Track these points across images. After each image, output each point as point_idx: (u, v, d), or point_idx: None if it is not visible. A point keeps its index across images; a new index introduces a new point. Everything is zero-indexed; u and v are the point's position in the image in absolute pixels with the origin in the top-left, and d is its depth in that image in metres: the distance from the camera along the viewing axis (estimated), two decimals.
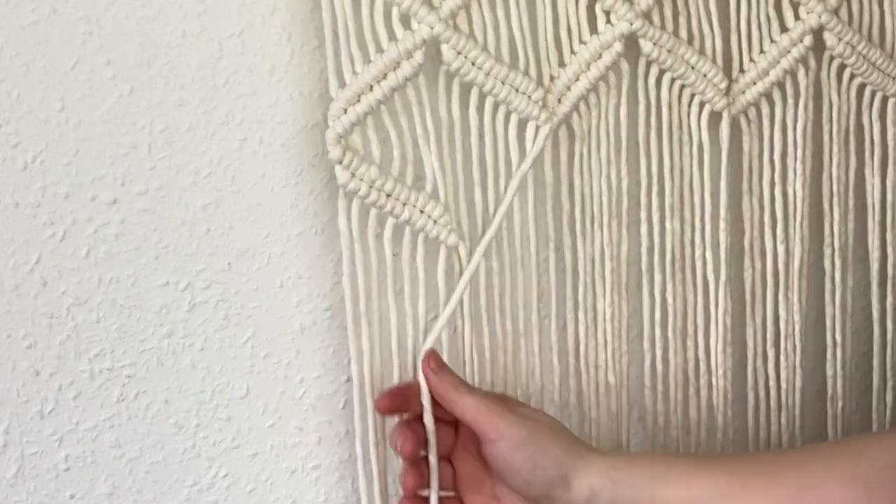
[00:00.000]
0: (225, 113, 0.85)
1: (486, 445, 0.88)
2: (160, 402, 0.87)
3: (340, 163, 0.85)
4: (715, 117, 1.03)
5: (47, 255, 0.82)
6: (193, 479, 0.89)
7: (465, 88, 0.90)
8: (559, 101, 0.95)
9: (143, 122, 0.83)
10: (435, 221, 0.90)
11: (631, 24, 0.94)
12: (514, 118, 0.92)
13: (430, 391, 0.89)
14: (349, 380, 0.93)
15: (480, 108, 0.91)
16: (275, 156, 0.87)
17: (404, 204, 0.89)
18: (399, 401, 0.89)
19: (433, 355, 0.90)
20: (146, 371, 0.86)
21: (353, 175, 0.86)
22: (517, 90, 0.91)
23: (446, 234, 0.91)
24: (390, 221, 0.89)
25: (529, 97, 0.92)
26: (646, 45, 0.97)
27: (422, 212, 0.90)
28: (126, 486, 0.87)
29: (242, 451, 0.91)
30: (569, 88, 0.95)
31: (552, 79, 0.95)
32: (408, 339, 0.91)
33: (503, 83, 0.90)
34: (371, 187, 0.87)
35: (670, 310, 1.04)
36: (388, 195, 0.88)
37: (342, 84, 0.85)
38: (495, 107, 0.92)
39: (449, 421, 0.90)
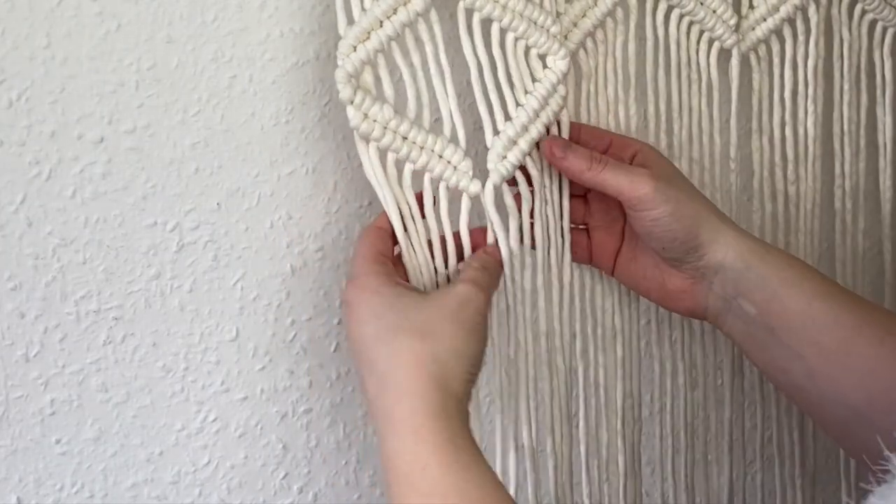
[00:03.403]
0: (214, 50, 0.86)
1: (628, 211, 0.94)
2: (148, 345, 0.88)
3: (352, 103, 0.84)
4: (724, 54, 1.03)
5: (32, 194, 0.82)
6: (182, 424, 0.91)
7: (485, 25, 0.90)
8: (566, 37, 0.96)
9: (130, 59, 0.83)
10: (455, 168, 0.89)
11: None
12: (533, 53, 0.92)
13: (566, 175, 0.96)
14: (341, 322, 0.94)
15: (503, 46, 0.91)
16: (265, 94, 0.88)
17: (422, 148, 0.87)
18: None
19: (555, 143, 0.94)
20: (133, 313, 0.87)
21: (365, 116, 0.85)
22: (535, 24, 0.91)
23: (467, 181, 0.89)
24: (409, 168, 0.88)
25: (548, 31, 0.92)
26: None
27: (440, 157, 0.88)
28: (113, 431, 0.88)
29: (232, 394, 0.92)
30: (575, 24, 0.96)
31: (559, 15, 0.95)
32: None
33: (521, 16, 0.90)
34: (385, 129, 0.85)
35: None
36: (404, 138, 0.86)
37: (350, 21, 0.84)
38: (515, 43, 0.92)
39: None
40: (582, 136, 0.97)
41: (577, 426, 1.03)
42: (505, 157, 0.91)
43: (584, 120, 0.99)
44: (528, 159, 0.93)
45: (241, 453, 0.93)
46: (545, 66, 0.93)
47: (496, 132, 0.91)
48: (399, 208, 0.88)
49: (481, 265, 0.89)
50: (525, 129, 0.92)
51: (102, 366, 0.87)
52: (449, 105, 0.89)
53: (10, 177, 0.82)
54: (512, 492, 0.96)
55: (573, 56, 0.97)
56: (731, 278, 0.94)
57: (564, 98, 0.94)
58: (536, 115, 0.92)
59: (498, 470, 0.93)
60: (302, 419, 0.95)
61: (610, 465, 1.05)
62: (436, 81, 0.88)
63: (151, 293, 0.88)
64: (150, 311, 0.88)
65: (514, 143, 0.91)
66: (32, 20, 0.80)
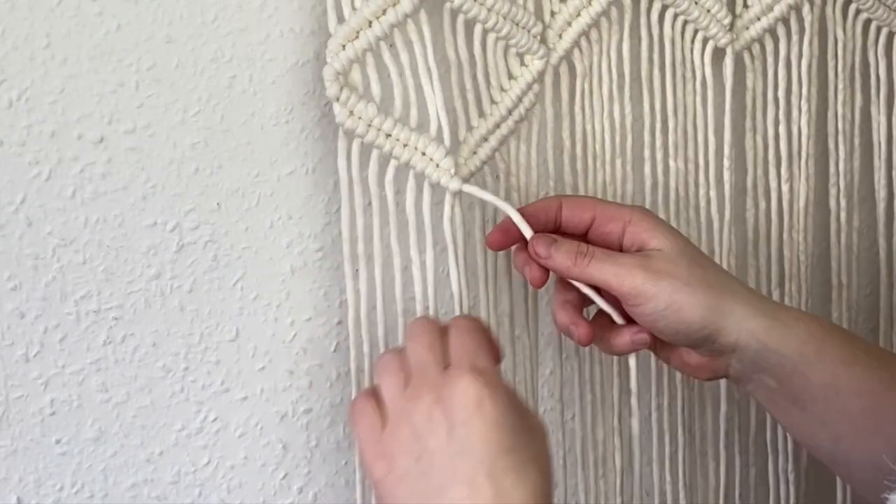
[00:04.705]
0: (214, 50, 0.86)
1: (628, 307, 0.90)
2: (148, 345, 0.88)
3: (338, 100, 0.86)
4: (718, 53, 1.04)
5: (32, 194, 0.82)
6: (182, 424, 0.91)
7: (469, 26, 0.91)
8: (560, 36, 0.96)
9: (130, 59, 0.83)
10: (437, 165, 0.89)
11: None
12: (512, 52, 0.93)
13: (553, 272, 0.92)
14: (340, 322, 0.94)
15: (484, 45, 0.92)
16: (265, 94, 0.88)
17: (405, 145, 0.88)
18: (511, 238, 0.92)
19: (538, 242, 0.90)
20: (133, 313, 0.87)
21: (350, 113, 0.86)
22: (518, 25, 0.91)
23: (448, 178, 0.90)
24: (392, 164, 0.89)
25: (529, 31, 0.92)
26: None
27: (423, 154, 0.89)
28: (113, 431, 0.88)
29: (232, 394, 0.92)
30: (570, 24, 0.97)
31: (553, 14, 0.96)
32: (414, 286, 0.92)
33: (505, 18, 0.91)
34: (370, 126, 0.87)
35: None
36: (388, 135, 0.88)
37: (341, 20, 0.85)
38: (496, 43, 0.92)
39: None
40: (564, 212, 0.94)
41: (574, 421, 1.03)
42: (475, 153, 0.92)
43: (578, 118, 0.99)
44: (496, 154, 0.94)
45: (241, 453, 0.93)
46: (522, 65, 0.93)
47: (470, 128, 0.92)
48: (354, 210, 0.88)
49: None
50: (497, 126, 0.93)
51: (102, 366, 0.87)
52: (435, 104, 0.89)
53: (10, 177, 0.81)
54: None
55: (567, 55, 0.97)
56: (749, 357, 0.91)
57: (538, 96, 0.95)
58: (509, 112, 0.94)
59: None
60: (302, 419, 0.95)
61: (606, 461, 1.05)
62: (423, 80, 0.89)
63: (151, 293, 0.88)
64: (150, 311, 0.88)
65: (486, 139, 0.93)
66: (32, 20, 0.80)
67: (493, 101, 0.93)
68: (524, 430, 0.79)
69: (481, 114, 0.93)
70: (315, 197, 0.92)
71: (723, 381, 1.10)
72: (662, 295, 0.88)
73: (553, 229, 0.94)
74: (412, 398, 0.80)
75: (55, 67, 0.81)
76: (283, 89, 0.88)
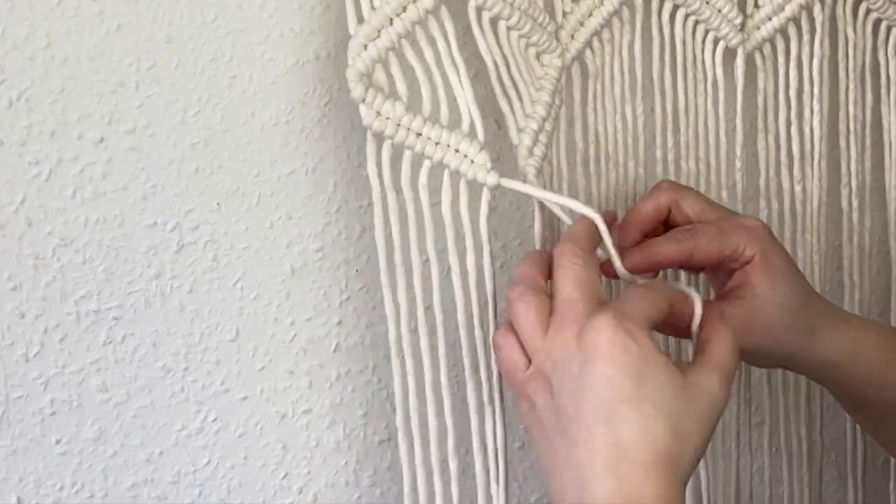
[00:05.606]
0: (214, 50, 0.86)
1: (749, 289, 0.93)
2: (148, 345, 0.88)
3: (363, 101, 0.82)
4: (730, 54, 1.03)
5: (32, 194, 0.82)
6: (182, 424, 0.91)
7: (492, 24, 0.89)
8: (572, 36, 0.96)
9: (130, 59, 0.83)
10: (472, 161, 0.86)
11: None
12: (532, 52, 0.92)
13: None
14: (341, 322, 0.94)
15: (509, 44, 0.90)
16: (265, 94, 0.88)
17: (437, 143, 0.85)
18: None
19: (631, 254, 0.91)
20: (133, 313, 0.87)
21: (378, 114, 0.83)
22: (536, 22, 0.91)
23: (484, 173, 0.86)
24: (426, 165, 0.85)
25: (545, 28, 0.91)
26: None
27: (457, 151, 0.86)
28: (113, 431, 0.89)
29: (232, 394, 0.92)
30: (582, 24, 0.96)
31: (565, 14, 0.95)
32: (454, 294, 0.89)
33: (525, 15, 0.89)
34: (398, 126, 0.84)
35: None
36: (419, 134, 0.84)
37: (360, 20, 0.83)
38: (518, 41, 0.91)
39: None
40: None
41: None
42: (532, 154, 0.89)
43: (591, 119, 0.99)
44: None
45: (240, 453, 0.93)
46: (542, 65, 0.93)
47: (520, 129, 0.89)
48: (388, 217, 0.86)
49: (731, 349, 0.82)
50: (544, 120, 0.91)
51: (102, 366, 0.87)
52: (466, 100, 0.86)
53: (10, 177, 0.82)
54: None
55: (579, 56, 0.97)
56: (845, 363, 0.95)
57: (561, 95, 0.94)
58: (549, 108, 0.92)
59: (500, 464, 0.93)
60: (302, 419, 0.95)
61: None
62: (451, 76, 0.86)
63: (151, 293, 0.88)
64: (150, 310, 0.88)
65: (538, 138, 0.90)
66: (32, 20, 0.80)
67: (532, 101, 0.91)
68: (664, 386, 0.76)
69: (526, 114, 0.90)
70: (315, 197, 0.91)
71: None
72: (769, 256, 0.92)
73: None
74: (555, 332, 0.79)
75: (55, 67, 0.81)
76: (283, 89, 0.88)
